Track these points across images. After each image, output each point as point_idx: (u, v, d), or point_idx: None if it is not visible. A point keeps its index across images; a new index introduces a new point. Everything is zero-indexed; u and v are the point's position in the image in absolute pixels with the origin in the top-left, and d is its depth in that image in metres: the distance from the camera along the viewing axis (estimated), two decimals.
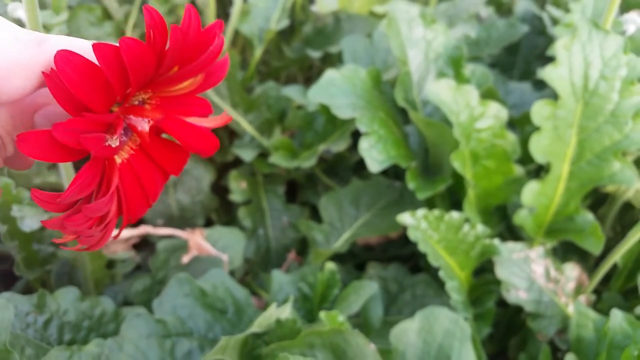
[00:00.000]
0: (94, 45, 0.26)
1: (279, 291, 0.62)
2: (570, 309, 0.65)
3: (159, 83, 0.30)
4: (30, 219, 0.53)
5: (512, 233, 0.75)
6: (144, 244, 0.81)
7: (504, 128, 0.64)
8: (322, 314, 0.50)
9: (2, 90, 0.26)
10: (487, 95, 0.69)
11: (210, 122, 0.34)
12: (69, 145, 0.26)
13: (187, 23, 0.29)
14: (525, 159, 0.71)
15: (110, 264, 0.68)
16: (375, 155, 0.62)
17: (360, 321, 0.64)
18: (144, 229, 0.69)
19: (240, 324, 0.55)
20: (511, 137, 0.65)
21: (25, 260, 0.62)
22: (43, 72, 0.26)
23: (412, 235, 0.61)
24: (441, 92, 0.61)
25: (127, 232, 0.68)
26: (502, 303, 0.74)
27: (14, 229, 0.57)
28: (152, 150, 0.33)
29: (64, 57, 0.25)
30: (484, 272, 0.70)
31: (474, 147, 0.64)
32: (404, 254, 0.83)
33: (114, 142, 0.29)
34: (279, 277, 0.62)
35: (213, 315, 0.54)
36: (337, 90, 0.64)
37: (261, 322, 0.46)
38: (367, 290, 0.59)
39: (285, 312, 0.49)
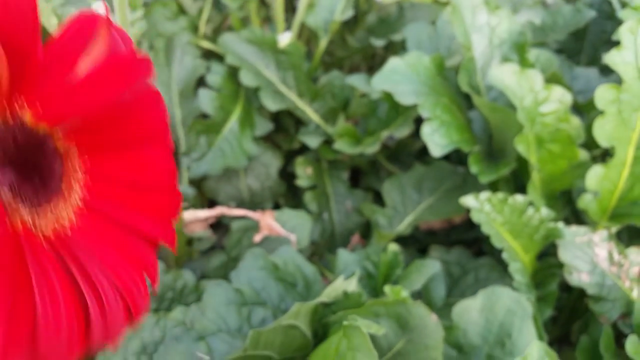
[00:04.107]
0: None
1: (344, 269, 0.65)
2: (635, 294, 0.65)
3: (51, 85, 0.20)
4: None
5: (577, 218, 0.75)
6: (218, 226, 0.87)
7: (568, 112, 0.65)
8: (387, 288, 0.53)
9: None
10: (552, 80, 0.69)
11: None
12: None
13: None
14: (591, 144, 0.71)
15: (190, 241, 0.73)
16: (437, 139, 0.64)
17: (423, 301, 0.67)
18: (219, 210, 0.74)
19: (309, 297, 0.58)
20: (575, 121, 0.66)
21: None
22: None
23: (476, 217, 0.63)
24: (505, 76, 0.62)
25: (204, 213, 0.74)
26: (566, 288, 0.74)
27: None
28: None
29: None
30: (547, 256, 0.71)
31: (539, 131, 0.65)
32: (467, 239, 0.85)
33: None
34: (344, 256, 0.65)
35: (285, 288, 0.58)
36: (401, 78, 0.67)
37: (329, 293, 0.49)
38: (429, 268, 0.61)
39: (352, 285, 0.52)
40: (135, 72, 0.21)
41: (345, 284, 0.51)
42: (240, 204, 0.90)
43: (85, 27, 0.20)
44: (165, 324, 0.51)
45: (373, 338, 0.43)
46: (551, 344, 0.71)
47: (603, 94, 0.62)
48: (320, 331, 0.51)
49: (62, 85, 0.20)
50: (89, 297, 0.21)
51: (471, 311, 0.56)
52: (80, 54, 0.21)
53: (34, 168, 0.21)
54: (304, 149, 0.95)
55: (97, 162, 0.23)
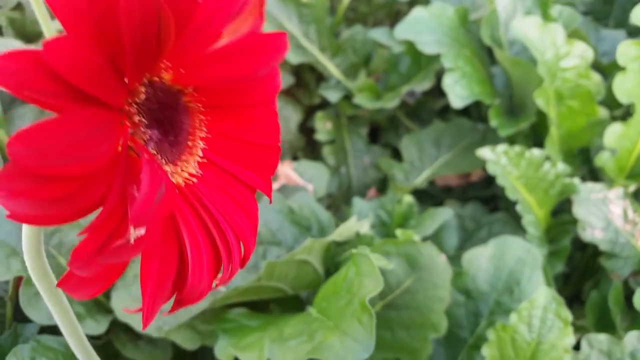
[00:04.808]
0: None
1: (359, 217, 0.67)
2: None
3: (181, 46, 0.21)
4: None
5: (594, 177, 0.75)
6: None
7: (589, 68, 0.64)
8: (398, 231, 0.54)
9: None
10: (574, 37, 0.69)
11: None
12: None
13: None
14: (612, 104, 0.71)
15: None
16: (458, 91, 0.64)
17: None
18: None
19: None
20: (596, 78, 0.65)
21: None
22: None
23: (491, 169, 0.63)
24: (527, 29, 0.62)
25: None
26: (580, 247, 0.75)
27: None
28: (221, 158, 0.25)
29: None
30: (561, 213, 0.72)
31: (559, 87, 0.65)
32: (484, 196, 0.85)
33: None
34: (359, 204, 0.67)
35: (299, 231, 0.59)
36: (424, 28, 0.67)
37: (342, 232, 0.51)
38: (442, 215, 0.62)
39: (365, 227, 0.53)
40: (273, 52, 0.23)
41: (358, 225, 0.53)
42: None
43: None
44: None
45: (383, 276, 0.44)
46: None
47: (625, 50, 0.61)
48: (332, 269, 0.52)
49: (205, 53, 0.22)
50: (219, 242, 0.23)
51: (481, 258, 0.57)
52: (226, 25, 0.22)
53: (170, 125, 0.23)
54: (324, 105, 0.95)
55: (217, 119, 0.25)
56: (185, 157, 0.24)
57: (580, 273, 0.78)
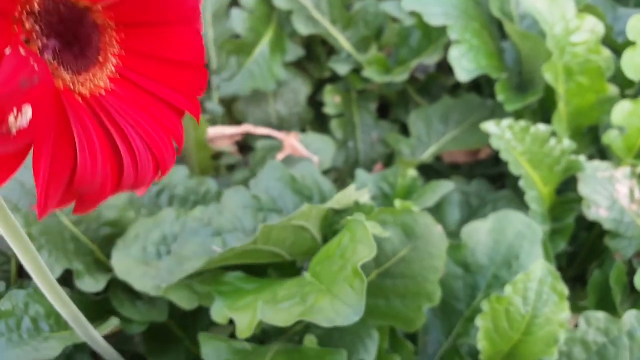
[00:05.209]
0: None
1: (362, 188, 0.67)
2: None
3: None
4: None
5: (603, 157, 0.74)
6: (245, 148, 0.89)
7: (599, 44, 0.63)
8: (397, 202, 0.54)
9: None
10: (586, 12, 0.67)
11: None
12: None
13: None
14: (625, 82, 0.69)
15: (215, 156, 0.76)
16: (465, 64, 0.63)
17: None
18: (245, 128, 0.76)
19: None
20: (606, 53, 0.64)
21: None
22: None
23: (495, 144, 0.63)
24: (537, 1, 0.61)
25: (230, 129, 0.76)
26: (586, 227, 0.74)
27: None
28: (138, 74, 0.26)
29: None
30: (567, 192, 0.71)
31: (568, 62, 0.64)
32: (492, 174, 0.85)
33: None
34: (362, 176, 0.67)
35: (301, 200, 0.60)
36: None
37: (340, 200, 0.51)
38: (442, 188, 0.62)
39: (365, 196, 0.53)
40: None
41: (358, 195, 0.53)
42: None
43: None
44: (186, 220, 0.54)
45: (379, 244, 0.45)
46: (566, 282, 0.72)
47: (636, 24, 0.60)
48: (330, 237, 0.52)
49: None
50: (122, 148, 0.24)
51: (480, 232, 0.57)
52: None
53: (75, 39, 0.24)
54: (334, 79, 0.95)
55: (132, 37, 0.26)
56: (94, 71, 0.25)
57: (586, 254, 0.77)
